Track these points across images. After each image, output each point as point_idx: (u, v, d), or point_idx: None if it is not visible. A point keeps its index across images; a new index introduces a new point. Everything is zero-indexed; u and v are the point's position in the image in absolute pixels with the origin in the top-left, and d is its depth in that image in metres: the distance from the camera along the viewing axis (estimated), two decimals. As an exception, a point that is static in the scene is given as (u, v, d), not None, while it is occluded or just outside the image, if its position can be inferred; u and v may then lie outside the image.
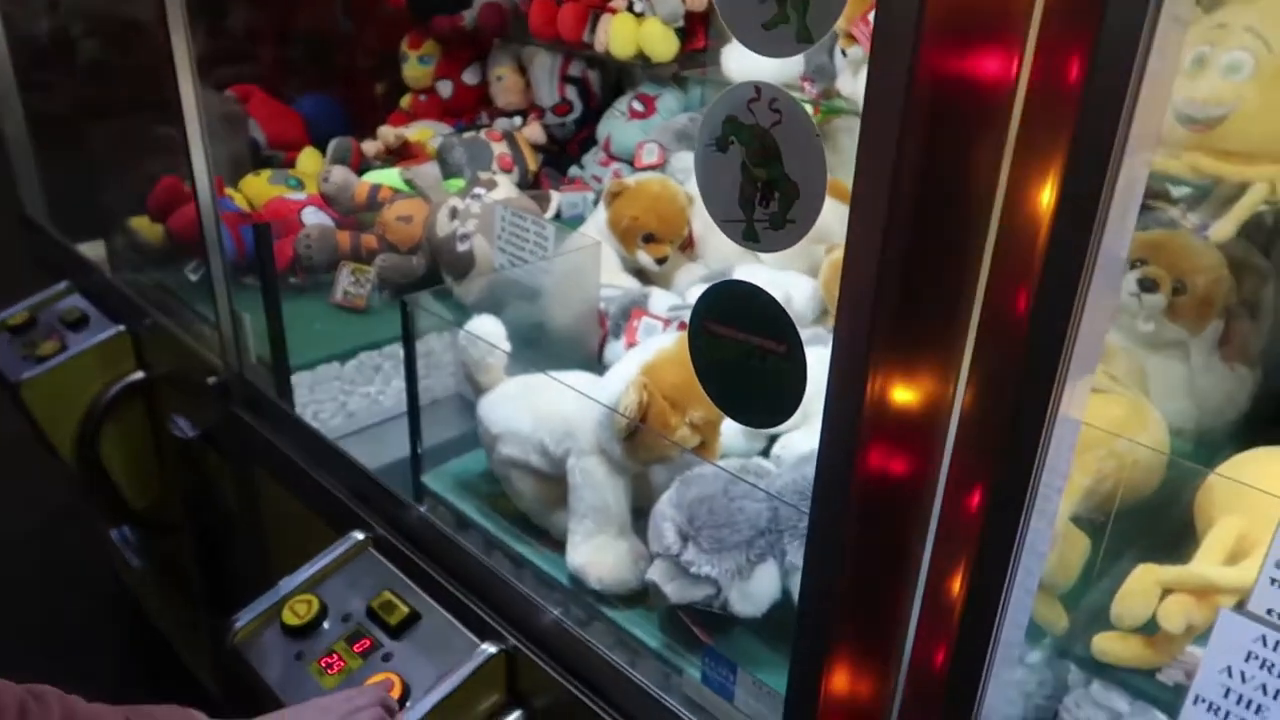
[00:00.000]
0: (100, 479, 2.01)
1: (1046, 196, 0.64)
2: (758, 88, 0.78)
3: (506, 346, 1.30)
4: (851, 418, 0.73)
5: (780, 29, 0.77)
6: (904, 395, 0.75)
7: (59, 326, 2.01)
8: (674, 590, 1.04)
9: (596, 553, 1.16)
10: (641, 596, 1.15)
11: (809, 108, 1.93)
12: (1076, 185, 0.62)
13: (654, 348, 1.15)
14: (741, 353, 0.87)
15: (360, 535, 1.35)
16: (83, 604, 2.67)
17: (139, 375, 1.98)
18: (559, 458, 1.20)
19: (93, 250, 2.27)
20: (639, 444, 1.12)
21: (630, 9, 2.13)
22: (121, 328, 1.98)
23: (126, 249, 2.17)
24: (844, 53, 1.76)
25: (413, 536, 1.32)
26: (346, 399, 1.68)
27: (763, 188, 0.81)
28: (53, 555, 2.79)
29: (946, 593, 0.79)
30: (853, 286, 0.70)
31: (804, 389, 0.83)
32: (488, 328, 1.31)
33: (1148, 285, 1.29)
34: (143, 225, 2.10)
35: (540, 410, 1.23)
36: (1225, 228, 1.25)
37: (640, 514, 1.18)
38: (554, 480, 1.23)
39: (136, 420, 2.02)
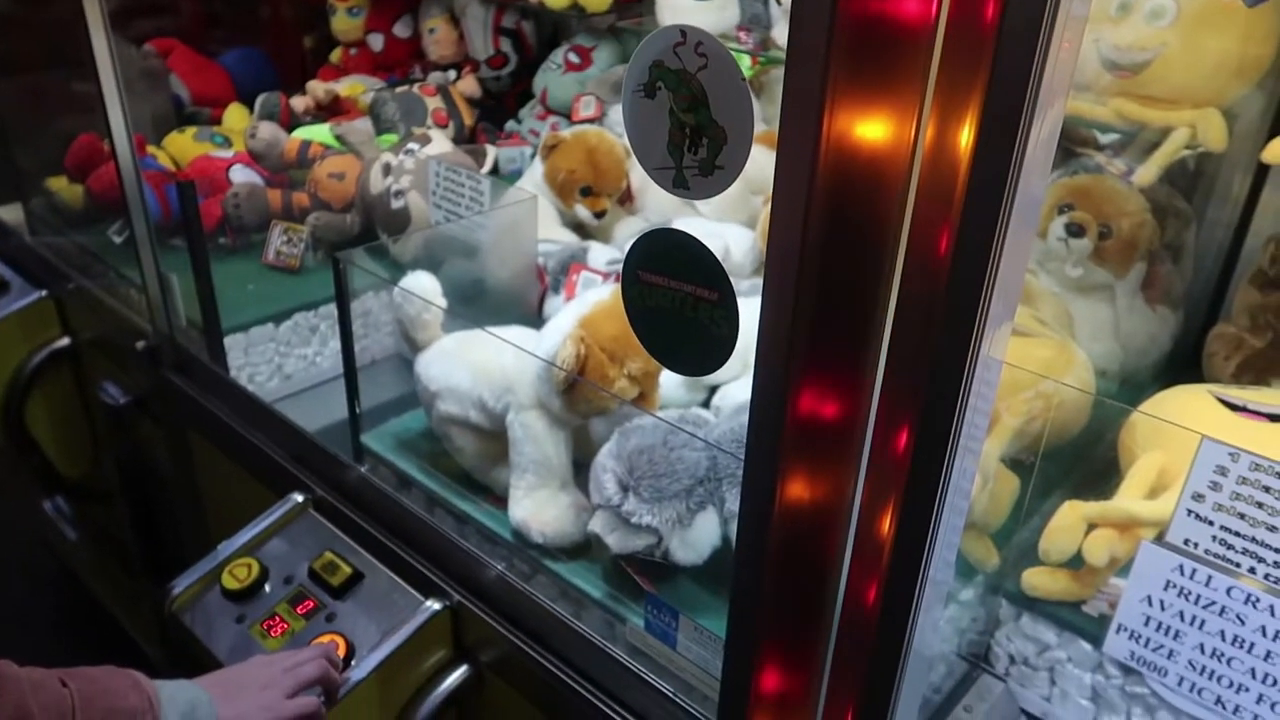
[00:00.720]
0: (29, 449, 1.95)
1: (966, 138, 0.65)
2: (683, 31, 0.77)
3: (442, 302, 1.29)
4: (782, 361, 0.74)
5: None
6: (833, 337, 0.75)
7: (-23, 294, 1.94)
8: (616, 540, 1.04)
9: (539, 506, 1.16)
10: (584, 548, 1.16)
11: (746, 59, 1.93)
12: (994, 126, 0.62)
13: (591, 300, 1.15)
14: (674, 301, 0.87)
15: (300, 497, 1.33)
16: (17, 578, 2.61)
17: (64, 341, 1.92)
18: (499, 413, 1.19)
19: (10, 213, 2.18)
20: (578, 397, 1.12)
21: (564, -43, 2.09)
22: (44, 293, 1.92)
23: (45, 211, 2.10)
24: (778, 1, 1.75)
25: (354, 497, 1.31)
26: (282, 361, 1.65)
27: (691, 133, 0.81)
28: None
29: (877, 532, 0.80)
30: (781, 229, 0.70)
31: (736, 337, 0.84)
32: (423, 284, 1.29)
33: (1074, 230, 1.32)
34: (61, 186, 2.03)
35: (478, 366, 1.22)
36: (1148, 172, 1.28)
37: (581, 467, 1.18)
38: (494, 436, 1.23)
39: (64, 388, 1.96)
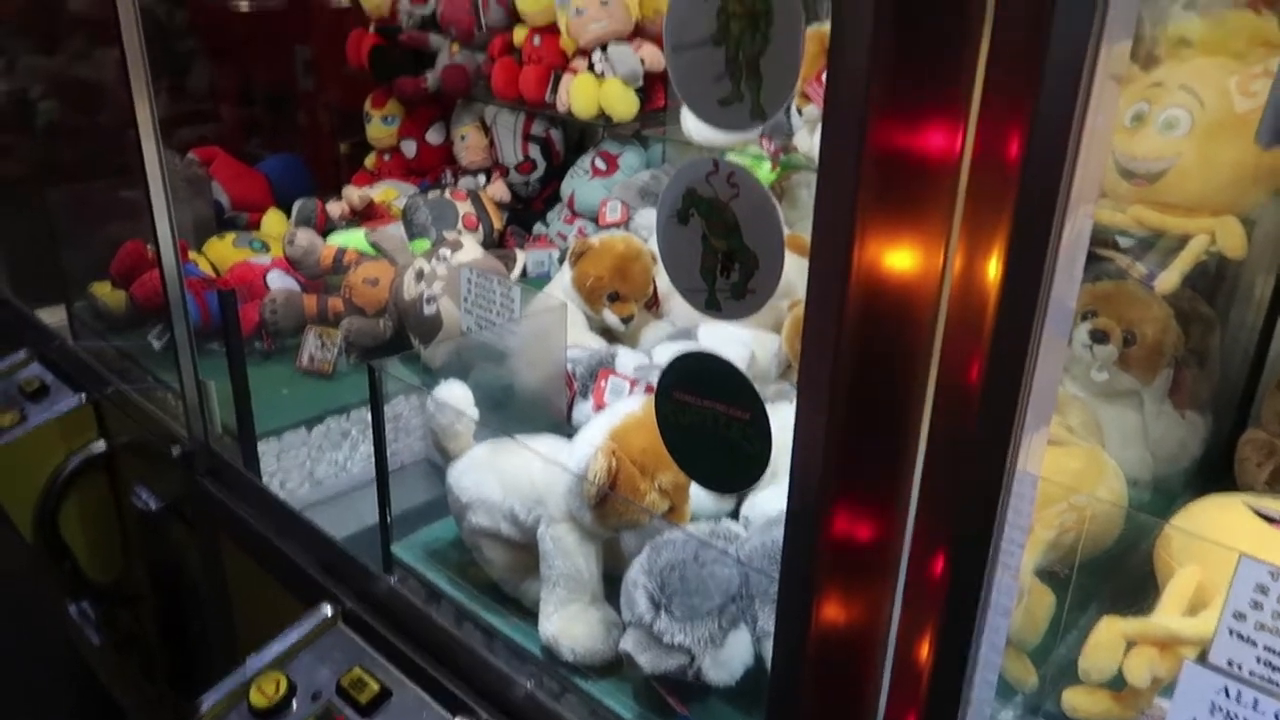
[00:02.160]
0: (60, 554, 1.96)
1: (994, 265, 0.67)
2: (716, 162, 0.81)
3: (474, 413, 1.31)
4: (816, 482, 0.74)
5: (735, 106, 0.80)
6: (867, 459, 0.76)
7: (18, 397, 1.98)
8: (648, 660, 1.03)
9: (569, 622, 1.16)
10: (615, 666, 1.15)
11: (766, 164, 1.99)
12: (1024, 238, 0.64)
13: (621, 412, 1.16)
14: (707, 420, 0.88)
15: (329, 610, 1.33)
16: (39, 679, 2.59)
17: (101, 446, 1.95)
18: (529, 525, 1.20)
19: (53, 316, 2.24)
20: (609, 510, 1.12)
21: (591, 70, 2.18)
22: (82, 397, 1.95)
23: (88, 315, 2.15)
24: (799, 111, 1.81)
25: (383, 609, 1.30)
26: (314, 466, 1.67)
27: (723, 258, 0.84)
28: (4, 629, 2.71)
29: (916, 655, 0.80)
30: (813, 355, 0.72)
31: (769, 455, 0.85)
32: (456, 393, 1.31)
33: (1099, 336, 1.32)
34: (104, 291, 2.09)
35: (510, 477, 1.23)
36: (1170, 279, 1.29)
37: (611, 580, 1.18)
38: (525, 548, 1.23)
39: (98, 492, 1.98)
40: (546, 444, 1.25)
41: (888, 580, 0.79)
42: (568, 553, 1.15)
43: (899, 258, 0.71)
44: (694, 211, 0.85)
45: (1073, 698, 1.01)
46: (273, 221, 2.43)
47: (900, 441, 0.75)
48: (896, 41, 0.63)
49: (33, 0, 3.11)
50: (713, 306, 0.87)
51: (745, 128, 0.83)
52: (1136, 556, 1.14)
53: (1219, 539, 0.96)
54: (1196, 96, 1.28)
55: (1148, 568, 1.11)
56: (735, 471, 0.89)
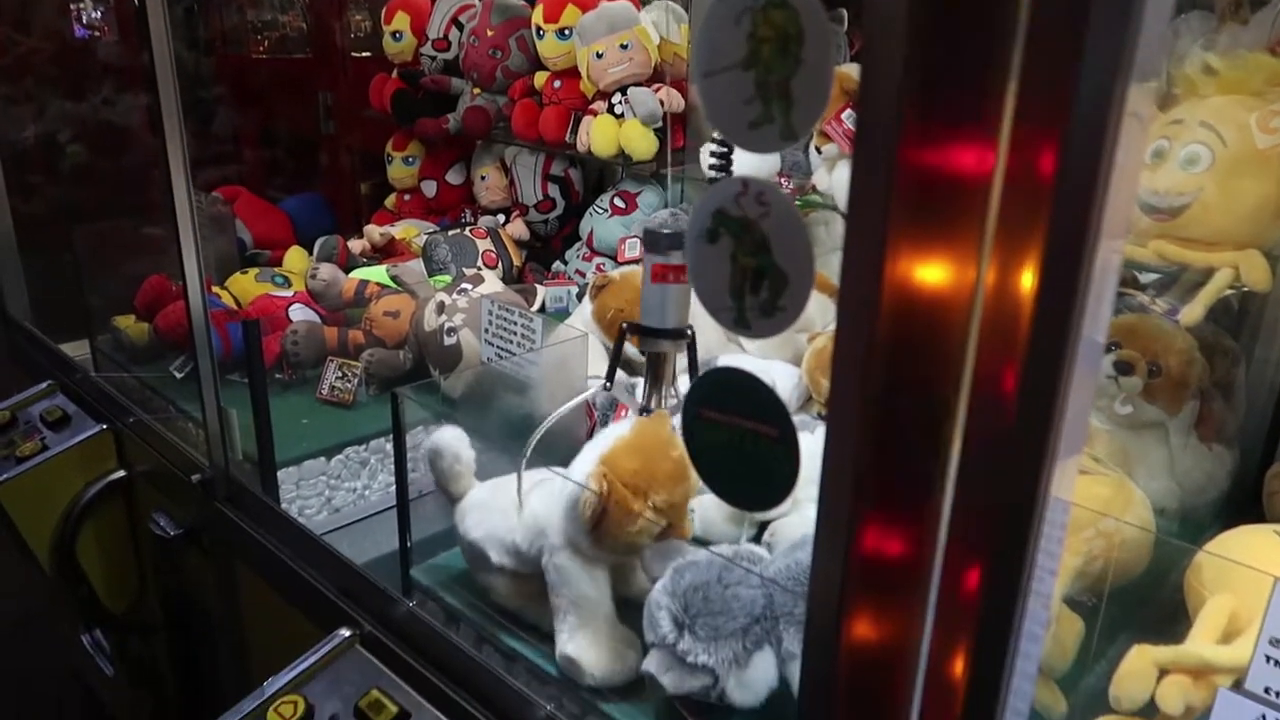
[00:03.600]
0: (77, 582, 1.96)
1: (1028, 280, 0.67)
2: (745, 182, 0.82)
3: (471, 454, 1.30)
4: (846, 497, 0.74)
5: (765, 128, 0.81)
6: (897, 475, 0.76)
7: (40, 426, 1.99)
8: (671, 681, 1.02)
9: (585, 647, 1.14)
10: (636, 687, 1.13)
11: (786, 202, 2.01)
12: (1054, 273, 0.64)
13: (611, 436, 1.15)
14: (735, 437, 0.89)
15: (346, 632, 1.32)
16: (49, 715, 2.57)
17: (120, 474, 1.95)
18: (533, 557, 1.19)
19: (76, 349, 2.26)
20: (605, 533, 1.11)
21: (610, 111, 2.21)
22: (103, 426, 1.96)
23: (111, 348, 2.18)
24: (818, 150, 1.83)
25: (401, 632, 1.29)
26: (332, 494, 1.67)
27: (752, 276, 0.84)
28: (13, 665, 2.69)
29: (948, 676, 0.78)
30: (844, 367, 0.72)
31: (797, 472, 0.84)
32: (450, 436, 1.31)
33: (1124, 368, 1.32)
34: (128, 324, 2.11)
35: (510, 512, 1.23)
36: (1194, 312, 1.29)
37: (631, 606, 1.17)
38: (534, 578, 1.22)
39: (116, 519, 1.98)
40: (545, 476, 1.24)
41: (919, 598, 0.78)
42: (573, 580, 1.14)
43: (930, 273, 0.71)
44: (723, 230, 0.86)
45: (1105, 726, 0.99)
46: (295, 258, 2.46)
47: (933, 454, 0.75)
48: (929, 58, 0.64)
49: (62, 49, 3.21)
50: (742, 324, 0.88)
51: (775, 149, 0.84)
52: (1166, 587, 1.12)
53: (1254, 566, 0.95)
54: (1217, 133, 1.29)
55: (1178, 598, 1.10)
56: (763, 489, 0.89)
